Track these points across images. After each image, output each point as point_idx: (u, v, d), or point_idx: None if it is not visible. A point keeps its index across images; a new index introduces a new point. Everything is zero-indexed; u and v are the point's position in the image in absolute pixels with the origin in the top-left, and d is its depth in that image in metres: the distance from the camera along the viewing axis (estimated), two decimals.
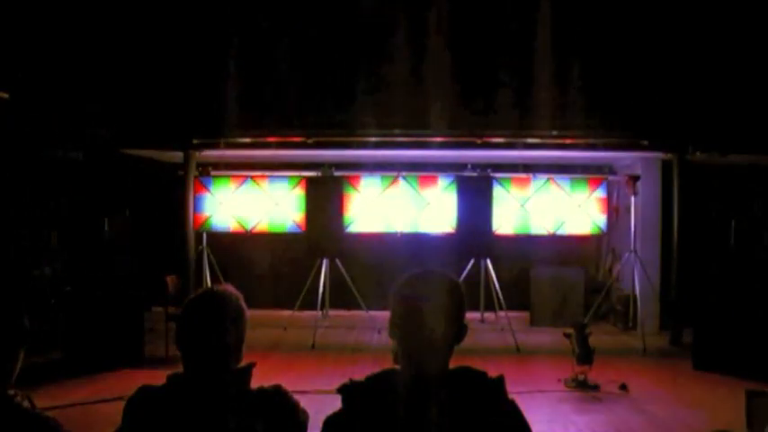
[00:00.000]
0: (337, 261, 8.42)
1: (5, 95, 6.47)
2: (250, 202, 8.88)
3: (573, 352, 6.10)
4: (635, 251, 8.09)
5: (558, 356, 6.73)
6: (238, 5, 8.13)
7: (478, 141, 8.10)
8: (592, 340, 6.14)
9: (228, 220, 8.88)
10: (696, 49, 7.73)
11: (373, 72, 7.91)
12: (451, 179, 8.68)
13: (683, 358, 7.08)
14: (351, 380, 1.62)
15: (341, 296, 9.13)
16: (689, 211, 8.17)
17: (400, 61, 7.83)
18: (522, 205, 8.77)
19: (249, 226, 8.90)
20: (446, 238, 8.71)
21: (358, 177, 8.91)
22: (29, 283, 8.48)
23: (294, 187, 8.83)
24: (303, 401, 1.89)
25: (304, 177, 8.73)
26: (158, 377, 1.82)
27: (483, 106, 7.94)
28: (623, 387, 6.00)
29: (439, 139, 8.31)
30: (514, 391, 1.61)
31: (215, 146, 8.44)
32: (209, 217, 8.83)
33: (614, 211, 9.42)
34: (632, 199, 8.21)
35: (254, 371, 1.83)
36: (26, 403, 1.75)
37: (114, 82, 7.85)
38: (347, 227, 8.73)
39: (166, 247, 8.93)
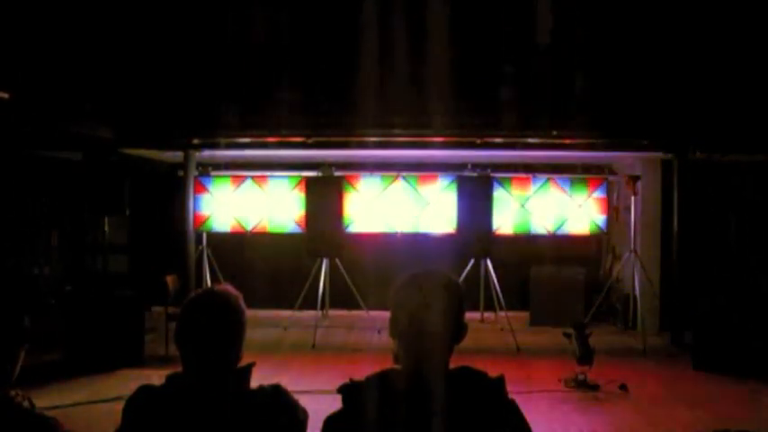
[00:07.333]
0: (337, 261, 8.42)
1: (5, 95, 6.46)
2: (250, 202, 8.87)
3: (573, 352, 6.11)
4: (635, 251, 8.09)
5: (558, 356, 6.74)
6: (238, 5, 8.12)
7: (478, 141, 8.08)
8: (592, 340, 6.13)
9: (228, 220, 8.87)
10: (696, 49, 7.72)
11: (373, 72, 7.90)
12: (451, 179, 8.67)
13: (683, 358, 7.08)
14: (351, 380, 1.62)
15: (341, 296, 9.13)
16: (689, 211, 8.16)
17: (401, 61, 7.82)
18: (523, 205, 8.77)
19: (249, 226, 8.89)
20: (446, 238, 8.70)
21: (358, 177, 8.89)
22: (29, 283, 8.49)
23: (294, 187, 8.82)
24: (303, 401, 1.89)
25: (304, 177, 8.72)
26: (158, 377, 1.83)
27: (483, 106, 7.93)
28: (623, 387, 5.99)
29: (439, 139, 8.29)
30: (514, 391, 1.61)
31: (215, 146, 8.43)
32: (209, 217, 8.82)
33: (614, 211, 9.42)
34: (632, 199, 8.21)
35: (254, 371, 1.84)
36: (26, 403, 1.76)
37: (114, 81, 7.84)
38: (347, 227, 8.73)
39: (166, 246, 8.92)
